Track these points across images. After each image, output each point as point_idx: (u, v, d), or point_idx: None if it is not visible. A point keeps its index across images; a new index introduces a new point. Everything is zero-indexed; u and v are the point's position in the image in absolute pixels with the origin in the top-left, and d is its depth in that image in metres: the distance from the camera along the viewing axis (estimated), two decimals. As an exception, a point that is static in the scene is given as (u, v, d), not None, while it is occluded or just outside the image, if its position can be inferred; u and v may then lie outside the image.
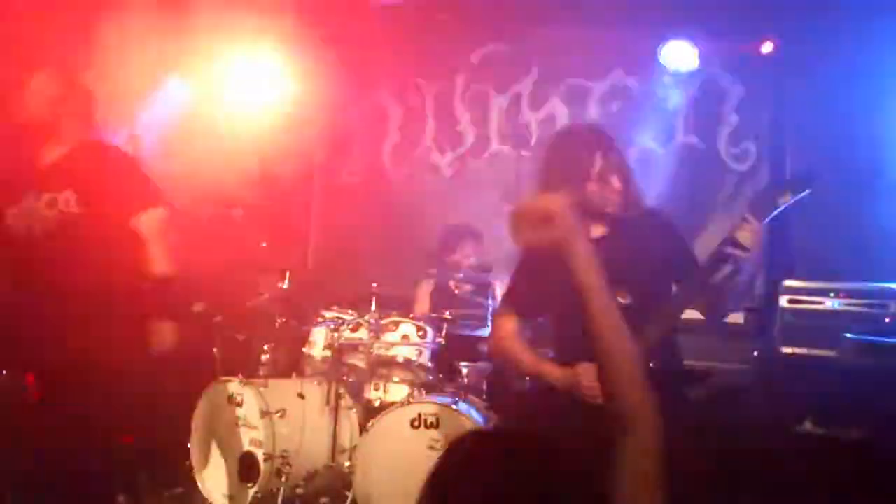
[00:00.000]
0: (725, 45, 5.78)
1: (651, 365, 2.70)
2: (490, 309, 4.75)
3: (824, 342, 4.04)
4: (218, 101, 6.24)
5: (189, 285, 3.94)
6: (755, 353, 4.42)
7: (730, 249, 2.63)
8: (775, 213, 2.65)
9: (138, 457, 4.29)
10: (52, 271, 3.26)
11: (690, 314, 2.92)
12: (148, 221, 3.37)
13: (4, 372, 3.65)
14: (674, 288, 2.91)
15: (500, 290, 5.00)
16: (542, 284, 2.93)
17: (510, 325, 3.07)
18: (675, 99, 5.95)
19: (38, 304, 3.28)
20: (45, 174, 3.33)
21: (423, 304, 5.29)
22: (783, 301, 4.30)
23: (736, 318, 4.59)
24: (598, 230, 2.91)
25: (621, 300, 2.79)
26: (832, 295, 4.15)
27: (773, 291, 4.51)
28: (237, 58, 6.32)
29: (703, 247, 3.01)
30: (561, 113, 6.31)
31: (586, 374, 2.74)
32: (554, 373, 2.86)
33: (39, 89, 3.34)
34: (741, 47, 5.75)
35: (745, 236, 2.62)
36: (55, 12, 4.50)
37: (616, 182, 2.84)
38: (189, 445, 4.52)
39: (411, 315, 4.75)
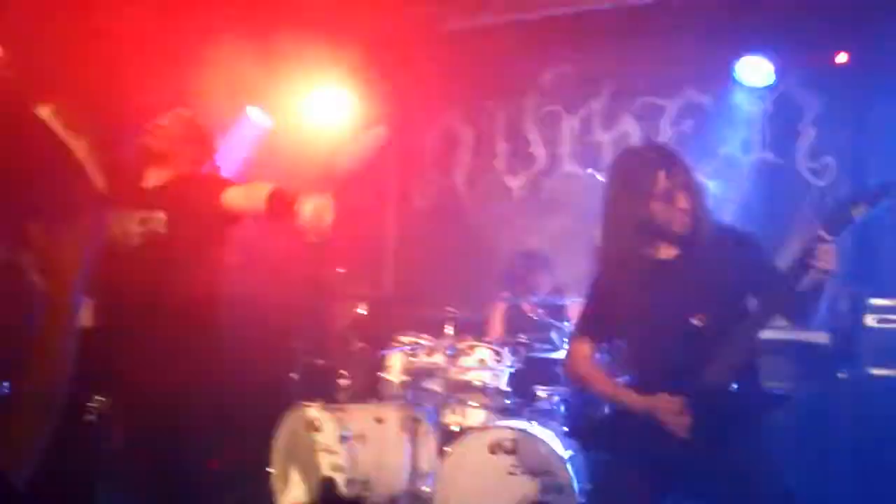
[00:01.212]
0: (800, 59, 5.66)
1: (732, 388, 2.67)
2: (565, 332, 4.73)
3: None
4: (294, 130, 6.36)
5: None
6: (841, 375, 4.30)
7: (808, 261, 2.56)
8: (850, 226, 2.55)
9: (223, 481, 4.38)
10: (132, 288, 3.38)
11: (771, 334, 2.86)
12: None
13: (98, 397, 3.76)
14: (751, 304, 2.85)
15: (573, 312, 4.99)
16: (617, 308, 2.91)
17: (585, 348, 3.05)
18: (751, 115, 5.85)
19: (120, 324, 3.39)
20: (144, 195, 3.49)
21: (496, 327, 5.30)
22: (870, 320, 4.18)
23: (820, 337, 4.48)
24: (668, 251, 2.87)
25: (697, 322, 2.76)
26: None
27: (859, 310, 4.39)
28: (312, 86, 6.44)
29: (783, 263, 2.92)
30: (633, 132, 6.26)
31: (667, 406, 2.70)
32: (632, 399, 2.83)
33: (167, 125, 3.53)
34: (817, 60, 5.63)
35: (821, 254, 2.54)
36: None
37: (683, 201, 2.79)
38: (270, 470, 4.59)
39: (487, 339, 4.76)
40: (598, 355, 3.10)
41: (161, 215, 3.41)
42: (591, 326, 3.06)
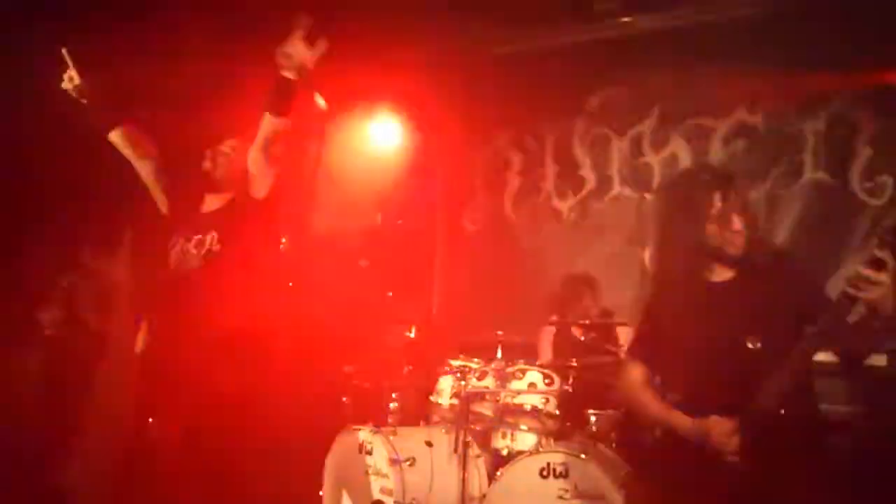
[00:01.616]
0: (854, 76, 5.58)
1: (783, 412, 2.63)
2: (615, 356, 4.69)
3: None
4: (344, 154, 6.44)
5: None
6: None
7: (855, 291, 2.50)
8: None
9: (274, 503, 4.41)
10: (188, 312, 3.45)
11: (828, 356, 2.82)
12: None
13: (151, 420, 3.83)
14: (805, 329, 2.81)
15: (623, 336, 4.95)
16: (671, 331, 2.89)
17: (638, 372, 3.04)
18: (803, 134, 5.78)
19: (175, 347, 3.46)
20: (202, 219, 3.58)
21: (545, 352, 5.27)
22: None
23: (879, 359, 4.38)
24: (724, 273, 2.86)
25: (751, 345, 2.73)
26: None
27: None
28: (361, 111, 6.53)
29: (838, 285, 2.88)
30: (683, 153, 6.21)
31: (719, 428, 2.67)
32: (684, 423, 2.80)
33: (225, 152, 3.60)
34: (872, 77, 5.54)
35: (871, 275, 2.48)
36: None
37: (737, 223, 2.78)
38: (321, 493, 4.61)
39: (538, 362, 4.74)
40: (650, 379, 3.07)
41: (214, 235, 3.49)
42: (644, 350, 3.05)
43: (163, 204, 3.75)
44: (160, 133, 3.71)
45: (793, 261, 2.92)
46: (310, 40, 3.24)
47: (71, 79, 3.54)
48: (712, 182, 2.86)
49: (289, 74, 3.28)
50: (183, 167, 3.71)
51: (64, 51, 3.51)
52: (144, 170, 3.71)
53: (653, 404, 2.97)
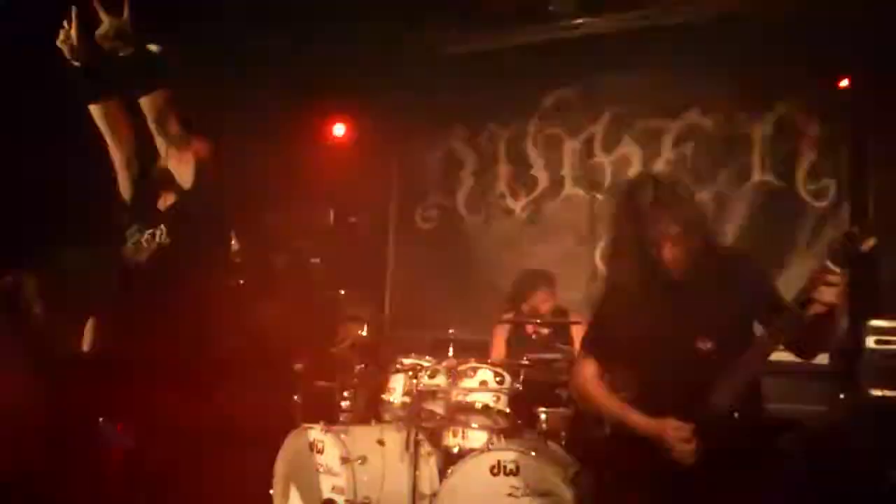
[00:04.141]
0: (801, 81, 5.70)
1: (736, 414, 2.67)
2: (568, 353, 4.73)
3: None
4: (293, 153, 6.40)
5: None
6: (842, 396, 4.29)
7: (811, 296, 2.57)
8: (856, 258, 2.54)
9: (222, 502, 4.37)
10: (136, 307, 3.42)
11: (774, 356, 2.87)
12: None
13: (101, 419, 3.77)
14: (757, 328, 2.86)
15: (576, 333, 4.99)
16: (623, 329, 2.92)
17: (591, 368, 3.06)
18: (751, 137, 5.89)
19: (123, 344, 3.42)
20: (156, 214, 3.54)
21: (499, 349, 5.30)
22: (870, 341, 4.18)
23: (820, 358, 4.46)
24: (674, 274, 2.89)
25: (703, 346, 2.77)
26: (923, 335, 4.03)
27: (860, 331, 4.39)
28: (311, 109, 6.49)
29: (785, 287, 2.94)
30: (634, 154, 6.29)
31: (676, 433, 2.71)
32: (638, 421, 2.83)
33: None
34: (818, 83, 5.67)
35: (826, 288, 2.53)
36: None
37: (687, 225, 2.82)
38: (271, 492, 4.58)
39: (489, 360, 4.76)
40: (603, 375, 3.10)
41: (164, 229, 3.46)
42: (596, 347, 3.08)
43: (126, 191, 3.68)
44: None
45: (742, 259, 2.96)
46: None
47: (68, 37, 3.41)
48: (659, 186, 2.90)
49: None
50: (151, 160, 3.66)
51: (73, 8, 3.37)
52: (117, 153, 3.63)
53: (606, 400, 3.00)
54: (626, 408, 2.92)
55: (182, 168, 3.48)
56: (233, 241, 4.20)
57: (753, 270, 2.93)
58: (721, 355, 2.72)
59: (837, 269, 2.53)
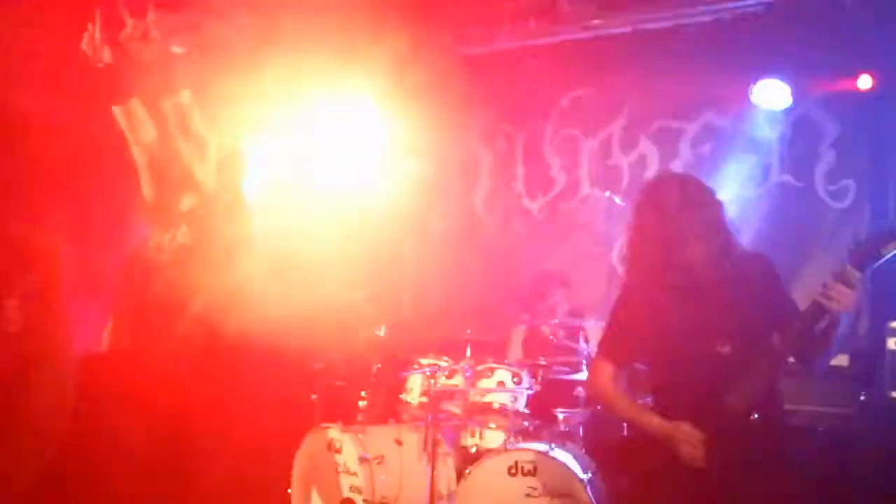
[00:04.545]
0: (819, 82, 5.67)
1: (755, 416, 2.68)
2: (584, 354, 4.73)
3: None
4: (313, 155, 6.41)
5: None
6: (862, 398, 4.27)
7: (826, 303, 2.56)
8: (878, 263, 2.55)
9: (242, 502, 4.39)
10: (157, 306, 3.45)
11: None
12: None
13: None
14: (774, 335, 2.86)
15: (592, 334, 4.99)
16: (639, 330, 2.92)
17: (607, 370, 3.06)
18: (769, 138, 5.86)
19: (143, 342, 3.46)
20: (177, 215, 3.57)
21: (516, 349, 5.30)
22: (891, 343, 4.16)
23: (840, 360, 4.45)
24: (693, 277, 2.88)
25: (721, 349, 2.77)
26: (945, 337, 4.00)
27: (881, 333, 4.36)
28: (331, 111, 6.50)
29: (803, 288, 2.93)
30: (651, 155, 6.28)
31: (689, 438, 2.71)
32: (653, 423, 2.84)
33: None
34: (836, 83, 5.63)
35: (841, 289, 2.54)
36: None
37: (707, 228, 2.82)
38: (290, 491, 4.61)
39: (506, 361, 4.76)
40: (619, 377, 3.10)
41: (185, 230, 3.50)
42: (614, 348, 3.08)
43: (148, 192, 3.72)
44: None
45: (760, 264, 2.96)
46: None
47: (92, 39, 3.45)
48: (681, 187, 2.91)
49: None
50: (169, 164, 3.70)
51: (97, 12, 3.42)
52: (140, 155, 3.67)
53: (622, 402, 3.01)
54: (641, 408, 2.93)
55: (203, 169, 3.51)
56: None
57: (770, 274, 2.93)
58: (739, 358, 2.72)
59: (857, 273, 2.53)
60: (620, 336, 3.05)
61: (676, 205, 2.84)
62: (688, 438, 2.71)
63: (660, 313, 2.86)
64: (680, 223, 2.81)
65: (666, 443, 2.75)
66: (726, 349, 2.76)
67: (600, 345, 3.19)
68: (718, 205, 2.90)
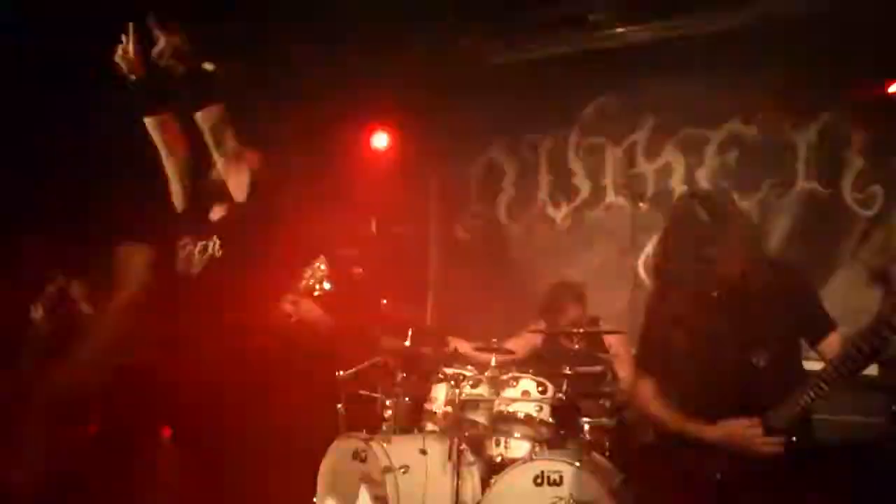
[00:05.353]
0: (846, 88, 5.62)
1: (794, 439, 2.67)
2: (606, 363, 4.72)
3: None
4: (336, 164, 6.45)
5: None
6: (894, 408, 4.21)
7: (886, 332, 2.50)
8: None
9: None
10: (188, 317, 3.47)
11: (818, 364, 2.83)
12: None
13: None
14: (803, 345, 2.85)
15: (612, 343, 4.98)
16: (677, 345, 2.91)
17: (650, 388, 3.06)
18: (795, 144, 5.81)
19: (175, 352, 3.47)
20: (209, 225, 3.59)
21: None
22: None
23: (871, 369, 4.39)
24: (724, 287, 2.87)
25: (756, 361, 2.76)
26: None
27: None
28: (355, 120, 6.54)
29: (830, 296, 2.91)
30: (677, 163, 6.25)
31: (754, 431, 2.70)
32: (704, 430, 2.82)
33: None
34: (864, 89, 5.58)
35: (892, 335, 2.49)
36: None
37: (738, 239, 2.81)
38: (314, 501, 4.61)
39: (531, 370, 4.75)
40: (660, 390, 3.07)
41: (217, 241, 3.51)
42: (652, 364, 3.08)
43: (179, 202, 3.73)
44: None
45: (790, 273, 2.95)
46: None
47: (126, 52, 3.47)
48: (712, 201, 2.91)
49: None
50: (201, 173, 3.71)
51: (130, 25, 3.44)
52: (171, 166, 3.68)
53: (670, 416, 2.98)
54: (686, 419, 2.91)
55: (236, 180, 3.53)
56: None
57: (805, 286, 2.93)
58: (774, 370, 2.72)
59: None
60: (657, 353, 3.04)
61: (711, 221, 2.83)
62: (751, 430, 2.71)
63: (696, 328, 2.85)
64: (715, 239, 2.80)
65: (728, 445, 2.74)
66: (761, 362, 2.76)
67: (637, 361, 3.18)
68: (750, 218, 2.90)
